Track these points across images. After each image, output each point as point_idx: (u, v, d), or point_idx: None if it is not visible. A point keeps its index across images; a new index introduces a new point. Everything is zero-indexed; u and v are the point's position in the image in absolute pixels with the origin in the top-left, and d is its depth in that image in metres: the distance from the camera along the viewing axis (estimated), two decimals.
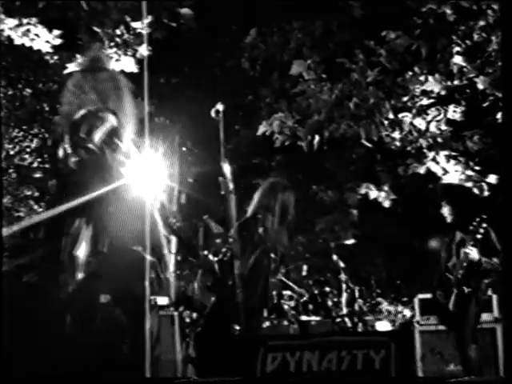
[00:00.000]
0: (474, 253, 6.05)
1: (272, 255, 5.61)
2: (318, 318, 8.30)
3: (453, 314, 6.13)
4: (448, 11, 8.42)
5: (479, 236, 6.01)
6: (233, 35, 10.78)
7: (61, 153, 4.10)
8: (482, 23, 8.38)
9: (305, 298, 8.40)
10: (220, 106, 4.65)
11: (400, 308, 10.98)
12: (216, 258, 5.16)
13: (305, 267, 8.67)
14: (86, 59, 4.47)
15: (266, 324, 8.03)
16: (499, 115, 8.45)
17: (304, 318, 8.22)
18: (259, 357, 5.45)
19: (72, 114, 4.20)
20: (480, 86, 8.52)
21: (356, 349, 5.17)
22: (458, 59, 8.49)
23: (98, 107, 4.18)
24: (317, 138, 8.78)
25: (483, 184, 8.71)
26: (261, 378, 4.93)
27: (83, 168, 4.05)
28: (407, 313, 10.58)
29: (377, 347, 5.15)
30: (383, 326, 9.40)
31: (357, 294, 8.83)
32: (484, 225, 5.98)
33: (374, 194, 9.56)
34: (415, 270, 11.23)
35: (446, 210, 6.42)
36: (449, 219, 6.40)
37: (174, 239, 6.54)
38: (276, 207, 5.62)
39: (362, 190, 9.66)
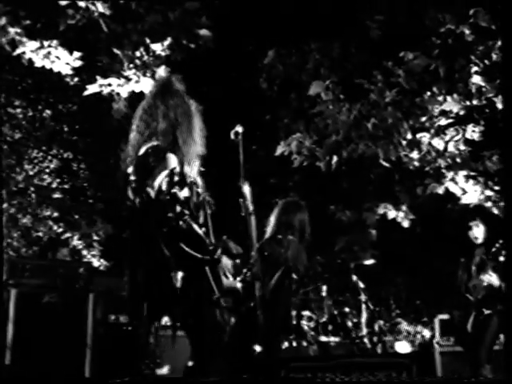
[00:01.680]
0: (494, 278, 6.07)
1: (293, 275, 5.61)
2: (337, 339, 8.27)
3: (470, 334, 6.12)
4: (466, 31, 8.40)
5: (501, 259, 6.02)
6: (251, 56, 10.83)
7: (129, 191, 4.01)
8: (500, 43, 8.37)
9: (324, 319, 8.38)
10: (239, 128, 4.64)
11: (419, 328, 10.93)
12: (237, 279, 5.15)
13: (324, 287, 8.64)
14: (157, 84, 4.38)
15: (285, 345, 8.01)
16: None
17: (323, 338, 8.20)
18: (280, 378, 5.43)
19: (140, 144, 4.10)
20: (499, 106, 8.49)
21: (378, 371, 5.16)
22: (476, 79, 8.47)
23: (160, 144, 4.03)
24: (335, 158, 8.77)
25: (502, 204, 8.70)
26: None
27: (141, 212, 3.95)
28: (426, 333, 10.54)
29: (399, 369, 5.15)
30: (402, 346, 9.35)
31: (376, 314, 8.80)
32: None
33: (392, 213, 9.56)
34: (435, 290, 11.20)
35: (476, 231, 6.48)
36: (480, 240, 6.46)
37: None
38: (294, 227, 5.64)
39: (381, 210, 9.66)
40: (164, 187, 3.82)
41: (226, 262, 4.17)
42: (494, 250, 6.16)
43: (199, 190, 4.05)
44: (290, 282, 5.63)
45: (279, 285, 5.46)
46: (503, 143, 7.58)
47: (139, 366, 6.21)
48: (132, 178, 4.03)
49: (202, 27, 9.39)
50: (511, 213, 6.69)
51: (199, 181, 4.10)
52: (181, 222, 3.80)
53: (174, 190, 3.83)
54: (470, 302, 6.31)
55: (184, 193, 3.90)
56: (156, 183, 3.85)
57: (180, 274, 3.82)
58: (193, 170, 4.08)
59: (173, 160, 3.91)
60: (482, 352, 6.07)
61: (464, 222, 6.63)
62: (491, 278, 6.13)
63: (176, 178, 3.86)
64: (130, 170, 4.07)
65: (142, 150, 4.02)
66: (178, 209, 3.82)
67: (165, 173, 3.85)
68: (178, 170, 3.90)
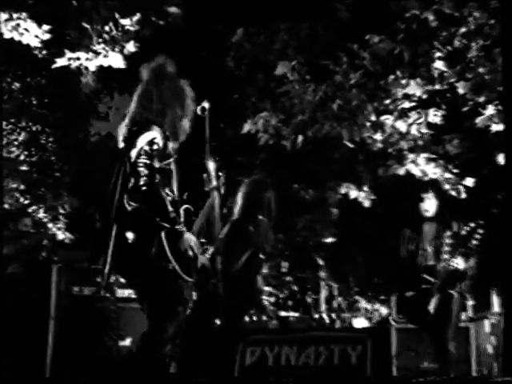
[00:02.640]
0: (461, 262, 6.08)
1: (261, 254, 5.65)
2: (296, 314, 8.36)
3: (433, 314, 6.10)
4: (430, 17, 8.45)
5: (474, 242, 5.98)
6: (219, 34, 10.79)
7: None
8: (463, 30, 8.44)
9: (284, 295, 8.46)
10: (206, 104, 4.63)
11: (377, 306, 11.05)
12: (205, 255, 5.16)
13: (285, 264, 8.71)
14: (150, 68, 4.46)
15: (246, 319, 8.07)
16: (478, 120, 8.54)
17: (283, 313, 8.28)
18: (239, 350, 5.49)
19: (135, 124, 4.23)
20: (460, 91, 8.57)
21: (333, 344, 5.24)
22: (439, 64, 8.54)
23: (146, 118, 4.20)
24: (300, 137, 8.81)
25: (460, 187, 8.81)
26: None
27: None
28: (384, 311, 10.65)
29: (354, 343, 5.22)
30: (360, 322, 9.47)
31: (335, 291, 8.90)
32: (480, 231, 5.94)
33: (354, 193, 9.62)
34: (393, 268, 11.30)
35: (427, 204, 6.31)
36: (430, 213, 6.33)
37: None
38: (263, 206, 5.65)
39: (343, 190, 9.72)
40: (142, 153, 3.91)
41: (190, 237, 4.15)
42: (463, 233, 6.07)
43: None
44: (258, 261, 5.67)
45: (248, 264, 5.49)
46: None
47: (102, 338, 6.24)
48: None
49: (171, 4, 9.35)
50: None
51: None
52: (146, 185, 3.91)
53: (144, 160, 3.93)
54: (431, 282, 6.26)
55: (162, 164, 4.01)
56: (136, 149, 3.94)
57: (131, 235, 3.88)
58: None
59: (156, 131, 4.01)
60: (449, 331, 6.07)
61: (417, 194, 6.51)
62: (459, 262, 6.06)
63: (155, 147, 3.94)
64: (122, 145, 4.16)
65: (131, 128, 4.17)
66: (147, 172, 3.90)
67: (145, 140, 3.96)
68: (159, 141, 3.99)
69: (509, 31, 7.21)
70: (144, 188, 3.87)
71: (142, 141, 3.96)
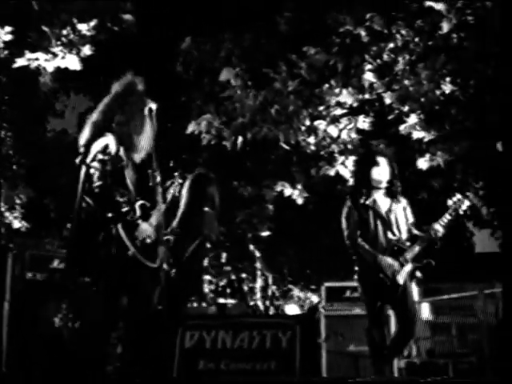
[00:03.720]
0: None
1: (208, 244, 5.64)
2: (233, 301, 8.35)
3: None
4: (362, 33, 8.55)
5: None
6: (170, 41, 10.70)
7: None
8: (391, 45, 8.55)
9: (223, 283, 8.44)
10: (153, 105, 4.60)
11: (309, 294, 11.13)
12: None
13: (224, 255, 8.69)
14: (122, 83, 4.48)
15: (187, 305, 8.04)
16: (402, 127, 8.66)
17: (221, 300, 8.26)
18: (179, 334, 5.45)
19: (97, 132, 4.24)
20: (387, 101, 8.69)
21: (265, 329, 5.24)
22: (369, 75, 8.63)
23: (106, 126, 4.25)
24: (240, 138, 8.81)
25: None
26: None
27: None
28: (315, 299, 10.72)
29: (284, 328, 5.24)
30: (292, 309, 9.51)
31: (270, 280, 8.90)
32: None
33: (288, 191, 9.67)
34: (323, 260, 11.42)
35: (381, 171, 5.54)
36: (383, 184, 5.55)
37: None
38: (207, 198, 5.64)
39: (278, 188, 9.75)
40: (96, 158, 4.06)
41: (146, 227, 4.15)
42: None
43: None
44: (204, 250, 5.65)
45: (195, 253, 5.47)
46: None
47: (53, 320, 6.15)
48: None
49: (126, 12, 9.24)
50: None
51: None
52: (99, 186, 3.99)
53: (97, 164, 4.04)
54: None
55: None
56: (91, 154, 4.08)
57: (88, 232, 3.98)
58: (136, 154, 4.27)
59: (110, 139, 4.13)
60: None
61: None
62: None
63: (108, 153, 4.08)
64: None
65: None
66: (98, 175, 3.99)
67: (99, 146, 4.09)
68: (113, 148, 4.12)
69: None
70: (96, 190, 3.97)
71: (97, 146, 4.05)
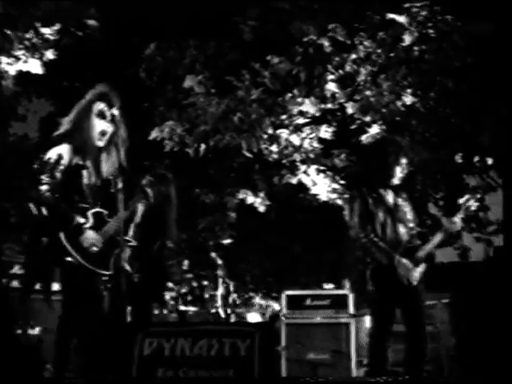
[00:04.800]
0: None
1: (171, 245, 5.61)
2: (195, 309, 8.32)
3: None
4: (325, 43, 8.62)
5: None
6: (134, 47, 10.67)
7: None
8: (353, 56, 8.64)
9: (184, 290, 8.40)
10: (115, 111, 4.58)
11: (270, 302, 11.13)
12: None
13: (186, 262, 8.66)
14: (96, 93, 4.48)
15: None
16: (363, 137, 8.75)
17: (182, 307, 8.22)
18: (137, 341, 5.41)
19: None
20: (349, 111, 8.77)
21: (224, 337, 5.23)
22: (331, 85, 8.70)
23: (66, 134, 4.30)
24: (203, 146, 8.82)
25: (346, 196, 8.96)
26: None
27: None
28: (277, 307, 10.73)
29: (243, 336, 5.23)
30: (253, 317, 9.51)
31: (232, 288, 8.89)
32: None
33: (250, 199, 9.70)
34: (285, 268, 11.47)
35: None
36: (396, 181, 5.35)
37: None
38: (165, 200, 5.62)
39: (241, 196, 9.79)
40: (48, 166, 4.08)
41: (91, 235, 4.13)
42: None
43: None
44: (166, 253, 5.62)
45: (155, 258, 5.44)
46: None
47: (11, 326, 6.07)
48: None
49: (89, 17, 9.20)
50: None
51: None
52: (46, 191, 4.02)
53: (47, 172, 4.07)
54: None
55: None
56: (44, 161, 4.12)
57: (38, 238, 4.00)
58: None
59: (65, 148, 4.19)
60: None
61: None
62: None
63: (61, 162, 4.12)
64: None
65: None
66: (48, 181, 4.00)
67: (53, 154, 4.13)
68: (66, 156, 4.17)
69: None
70: (46, 195, 4.00)
71: (51, 154, 4.07)
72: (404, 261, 5.01)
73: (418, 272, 5.03)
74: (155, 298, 6.99)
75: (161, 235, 5.60)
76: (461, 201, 5.15)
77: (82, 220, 4.14)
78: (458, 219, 5.09)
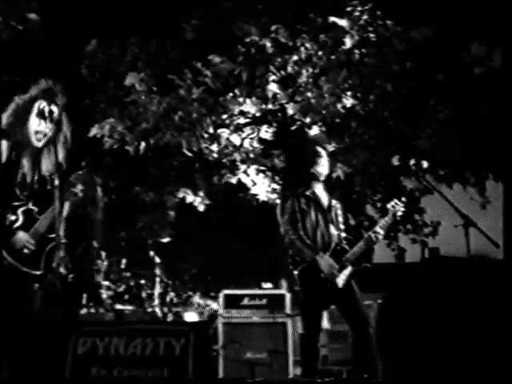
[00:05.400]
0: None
1: (95, 244, 5.54)
2: (131, 308, 8.26)
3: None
4: (268, 44, 8.65)
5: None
6: (76, 43, 10.52)
7: None
8: (295, 58, 8.69)
9: (121, 289, 8.33)
10: (54, 108, 4.50)
11: (209, 302, 11.11)
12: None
13: (124, 260, 8.59)
14: (39, 88, 4.36)
15: (84, 311, 7.90)
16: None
17: (119, 306, 8.15)
18: (71, 341, 5.35)
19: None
20: (290, 112, 8.81)
21: (159, 336, 5.21)
22: (273, 86, 8.74)
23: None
24: (143, 144, 8.74)
25: None
26: None
27: None
28: (215, 306, 10.72)
29: (178, 335, 5.22)
30: (191, 316, 9.48)
31: (170, 287, 8.85)
32: None
33: (190, 198, 9.65)
34: (224, 267, 11.47)
35: (322, 163, 5.29)
36: (323, 177, 5.30)
37: None
38: (89, 200, 5.53)
39: (180, 194, 9.73)
40: None
41: (22, 236, 4.06)
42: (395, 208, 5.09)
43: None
44: (92, 253, 5.55)
45: (81, 258, 5.37)
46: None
47: None
48: None
49: (31, 11, 9.04)
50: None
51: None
52: None
53: None
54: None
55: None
56: None
57: None
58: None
59: (3, 145, 4.10)
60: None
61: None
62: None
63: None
64: None
65: None
66: None
67: None
68: (4, 155, 4.08)
69: None
70: None
71: None
72: (326, 258, 4.99)
73: (344, 274, 5.02)
74: (91, 297, 6.91)
75: (87, 235, 5.52)
76: (388, 205, 5.17)
77: (13, 217, 4.06)
78: (379, 229, 5.07)
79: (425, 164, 4.72)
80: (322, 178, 5.28)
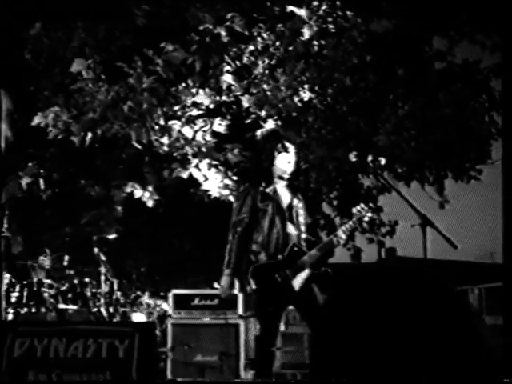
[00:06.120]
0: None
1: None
2: (75, 307, 8.15)
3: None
4: (223, 32, 8.59)
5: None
6: (18, 26, 10.31)
7: None
8: (251, 48, 8.67)
9: (64, 288, 8.22)
10: None
11: (159, 302, 11.04)
12: None
13: (67, 257, 8.47)
14: None
15: (24, 310, 7.78)
16: (258, 132, 8.79)
17: (62, 306, 8.04)
18: (7, 342, 5.23)
19: None
20: (245, 104, 8.79)
21: (101, 338, 5.13)
22: (227, 77, 8.69)
23: None
24: (89, 134, 8.62)
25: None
26: None
27: None
28: (165, 306, 10.66)
29: (122, 337, 5.15)
30: (139, 317, 9.40)
31: (116, 286, 8.76)
32: None
33: (139, 193, 9.55)
34: (174, 266, 11.41)
35: (286, 159, 5.25)
36: (287, 175, 5.29)
37: None
38: None
39: (128, 189, 9.62)
40: None
41: None
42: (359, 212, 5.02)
43: None
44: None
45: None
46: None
47: None
48: None
49: None
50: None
51: None
52: None
53: None
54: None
55: None
56: None
57: None
58: None
59: None
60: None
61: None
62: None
63: None
64: None
65: None
66: None
67: None
68: None
69: None
70: None
71: None
72: (225, 279, 5.08)
73: (300, 277, 4.99)
74: (31, 296, 6.82)
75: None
76: (354, 210, 5.14)
77: None
78: (342, 233, 5.01)
79: (383, 161, 4.73)
80: (286, 176, 5.22)
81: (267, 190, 5.15)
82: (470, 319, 2.58)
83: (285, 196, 5.21)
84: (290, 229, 5.14)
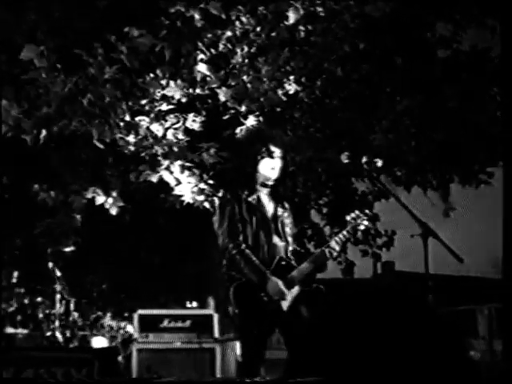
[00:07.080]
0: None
1: None
2: (25, 331, 8.12)
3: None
4: (197, 16, 8.53)
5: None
6: None
7: None
8: (229, 33, 8.62)
9: (13, 309, 8.18)
10: None
11: (123, 324, 11.01)
12: None
13: (16, 274, 8.42)
14: None
15: None
16: (238, 130, 8.77)
17: (10, 330, 8.01)
18: None
19: None
20: (222, 98, 8.74)
21: (56, 366, 5.08)
22: (202, 67, 8.63)
23: None
24: (44, 132, 8.54)
25: (215, 199, 8.95)
26: None
27: None
28: (130, 329, 10.62)
29: (79, 365, 5.10)
30: (99, 341, 9.36)
31: (73, 306, 8.72)
32: None
33: (101, 199, 9.47)
34: (140, 283, 11.36)
35: (273, 165, 5.29)
36: (271, 181, 5.34)
37: None
38: None
39: (89, 195, 9.54)
40: None
41: None
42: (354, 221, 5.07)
43: None
44: None
45: None
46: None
47: None
48: None
49: None
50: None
51: None
52: None
53: None
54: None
55: None
56: None
57: None
58: None
59: None
60: None
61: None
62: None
63: None
64: None
65: None
66: None
67: None
68: None
69: None
70: None
71: None
72: (274, 281, 4.97)
73: (290, 296, 5.00)
74: None
75: None
76: (348, 217, 5.17)
77: None
78: (335, 244, 5.08)
79: (379, 162, 4.75)
80: (271, 183, 5.27)
81: (250, 199, 5.19)
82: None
83: (269, 205, 5.27)
84: (276, 241, 5.18)
